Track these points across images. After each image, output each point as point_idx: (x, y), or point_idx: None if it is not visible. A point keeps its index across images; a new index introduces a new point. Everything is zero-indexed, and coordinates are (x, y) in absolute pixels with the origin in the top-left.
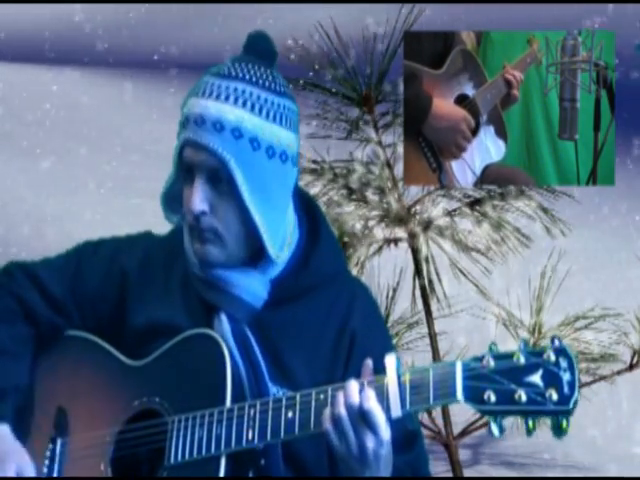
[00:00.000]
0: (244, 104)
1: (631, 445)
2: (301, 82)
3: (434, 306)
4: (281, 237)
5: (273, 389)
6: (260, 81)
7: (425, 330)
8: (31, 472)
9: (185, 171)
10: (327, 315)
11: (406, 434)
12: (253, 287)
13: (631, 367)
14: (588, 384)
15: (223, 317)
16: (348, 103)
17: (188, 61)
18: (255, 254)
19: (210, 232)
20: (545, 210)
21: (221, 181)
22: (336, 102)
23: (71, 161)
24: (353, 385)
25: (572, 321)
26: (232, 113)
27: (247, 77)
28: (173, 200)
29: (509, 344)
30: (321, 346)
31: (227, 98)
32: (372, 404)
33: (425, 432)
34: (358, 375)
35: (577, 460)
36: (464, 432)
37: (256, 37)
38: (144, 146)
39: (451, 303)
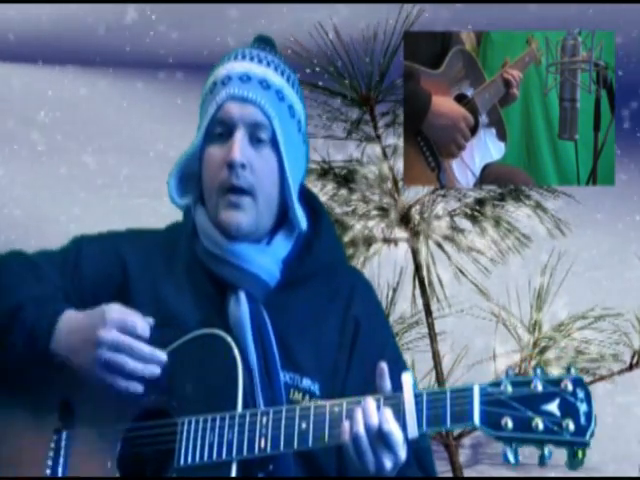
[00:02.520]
0: (282, 73)
1: (631, 445)
2: (301, 82)
3: (434, 306)
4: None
5: (282, 376)
6: (286, 62)
7: (425, 330)
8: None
9: (218, 133)
10: (329, 302)
11: None
12: (268, 265)
13: (631, 367)
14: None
15: (242, 297)
16: (348, 103)
17: (188, 61)
18: (274, 230)
19: (244, 194)
20: (545, 210)
21: (261, 141)
22: (336, 102)
23: (71, 161)
24: (371, 404)
25: (572, 321)
26: (275, 77)
27: (278, 55)
28: (188, 179)
29: (509, 345)
30: (325, 332)
31: (269, 64)
32: (392, 426)
33: None
34: (362, 361)
35: None
36: (464, 432)
37: (263, 37)
38: (144, 146)
39: (451, 303)
